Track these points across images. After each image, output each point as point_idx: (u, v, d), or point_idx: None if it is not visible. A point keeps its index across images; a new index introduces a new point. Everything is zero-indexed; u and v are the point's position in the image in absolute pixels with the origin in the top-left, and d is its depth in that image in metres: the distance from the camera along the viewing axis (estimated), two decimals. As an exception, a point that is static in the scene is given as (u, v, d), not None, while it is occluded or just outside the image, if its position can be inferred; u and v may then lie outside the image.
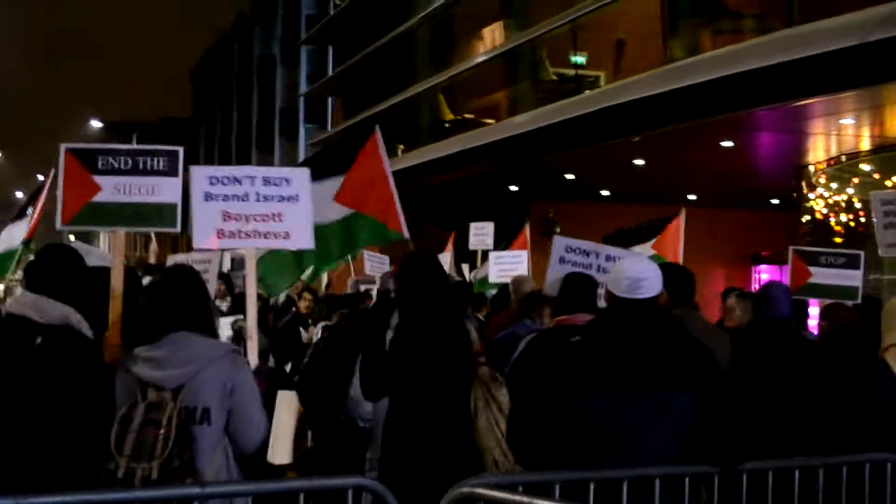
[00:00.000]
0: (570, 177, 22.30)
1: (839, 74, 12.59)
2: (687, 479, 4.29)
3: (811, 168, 19.19)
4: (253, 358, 5.06)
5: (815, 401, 5.88)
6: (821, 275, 8.16)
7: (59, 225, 5.72)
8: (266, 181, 5.53)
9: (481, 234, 14.84)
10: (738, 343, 6.51)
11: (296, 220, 5.54)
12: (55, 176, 5.88)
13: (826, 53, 12.09)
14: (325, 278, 13.91)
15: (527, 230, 14.23)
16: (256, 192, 5.48)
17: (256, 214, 5.46)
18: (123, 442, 4.10)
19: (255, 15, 55.52)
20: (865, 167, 18.11)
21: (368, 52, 30.49)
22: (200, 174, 5.55)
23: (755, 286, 25.30)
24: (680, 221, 11.72)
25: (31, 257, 5.70)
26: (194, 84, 72.48)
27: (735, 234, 24.54)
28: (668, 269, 5.31)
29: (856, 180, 18.15)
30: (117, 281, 5.41)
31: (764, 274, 25.99)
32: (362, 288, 12.02)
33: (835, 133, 16.47)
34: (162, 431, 4.11)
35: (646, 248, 11.46)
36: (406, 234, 7.92)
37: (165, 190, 5.59)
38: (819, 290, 8.10)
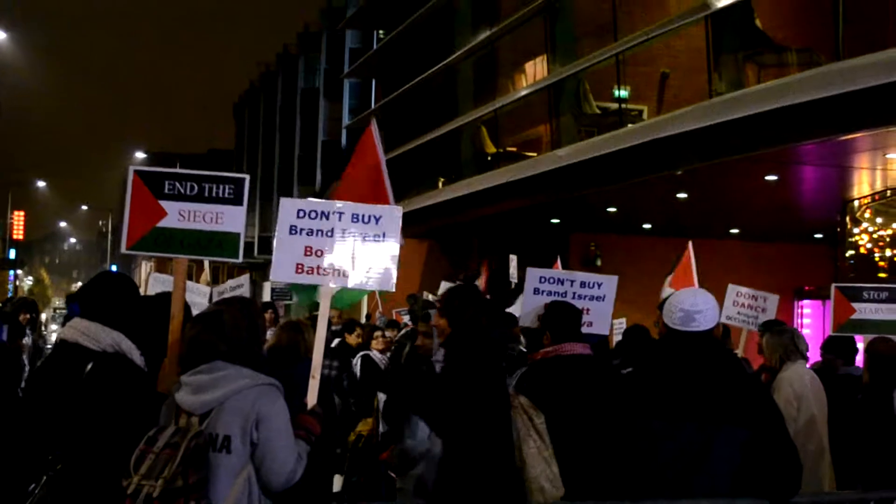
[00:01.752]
0: (612, 210, 22.26)
1: (885, 109, 12.52)
2: (737, 511, 4.28)
3: (856, 202, 19.05)
4: (312, 398, 4.98)
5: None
6: (864, 310, 8.10)
7: (123, 248, 5.64)
8: (354, 218, 5.35)
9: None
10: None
11: (380, 259, 5.32)
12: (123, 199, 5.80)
13: (872, 88, 12.03)
14: (363, 309, 14.05)
15: (559, 264, 14.21)
16: (343, 229, 5.31)
17: (340, 252, 5.30)
18: (142, 461, 4.21)
19: (299, 48, 56.07)
20: (911, 202, 17.97)
21: (411, 86, 30.66)
22: (290, 206, 5.36)
23: (798, 321, 25.08)
24: (689, 255, 11.76)
25: None
26: (237, 116, 73.18)
27: (778, 268, 24.34)
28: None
29: (902, 215, 18.01)
30: (177, 308, 5.39)
31: (807, 308, 25.75)
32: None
33: (880, 168, 16.34)
34: (171, 452, 4.19)
35: (666, 288, 11.49)
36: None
37: (229, 219, 5.56)
38: (863, 326, 8.05)
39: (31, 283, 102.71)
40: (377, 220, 5.34)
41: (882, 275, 18.49)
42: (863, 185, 18.15)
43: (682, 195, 19.96)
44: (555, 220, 24.28)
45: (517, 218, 23.28)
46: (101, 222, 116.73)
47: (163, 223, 5.55)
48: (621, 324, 14.05)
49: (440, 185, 28.22)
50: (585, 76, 20.94)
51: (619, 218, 23.12)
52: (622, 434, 4.25)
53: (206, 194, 5.58)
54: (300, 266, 5.26)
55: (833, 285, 8.32)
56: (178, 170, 5.71)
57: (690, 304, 4.34)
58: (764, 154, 15.30)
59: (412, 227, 27.35)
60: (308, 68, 54.30)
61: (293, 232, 5.28)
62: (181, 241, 5.57)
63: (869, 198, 18.71)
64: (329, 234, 5.28)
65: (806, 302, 25.84)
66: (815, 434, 6.92)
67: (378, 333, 12.02)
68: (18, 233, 53.02)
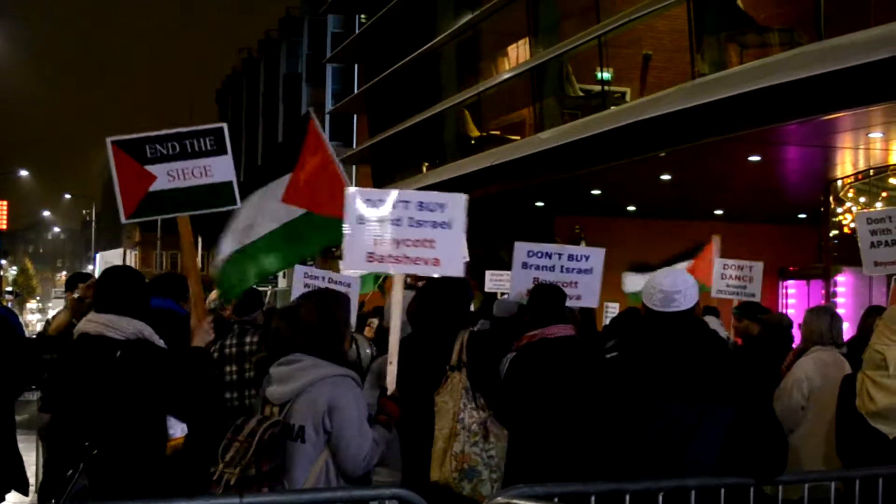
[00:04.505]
0: (596, 192, 22.29)
1: (867, 88, 12.55)
2: (723, 491, 4.30)
3: (839, 182, 19.11)
4: (391, 383, 5.10)
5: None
6: None
7: (122, 219, 5.75)
8: (420, 206, 5.38)
9: (499, 280, 14.66)
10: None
11: (447, 246, 5.37)
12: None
13: (854, 67, 12.04)
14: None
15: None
16: (410, 217, 5.34)
17: (408, 239, 5.33)
18: (228, 450, 4.44)
19: (281, 34, 55.89)
20: (894, 181, 18.01)
21: (394, 70, 30.59)
22: (356, 196, 5.41)
23: (782, 301, 25.16)
24: (713, 247, 11.76)
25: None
26: (220, 102, 72.96)
27: (762, 248, 24.30)
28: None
29: (884, 194, 18.06)
30: (190, 261, 5.74)
31: (791, 289, 25.82)
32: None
33: (863, 147, 16.38)
34: (239, 441, 4.42)
35: (681, 268, 11.51)
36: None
37: (218, 169, 5.69)
38: None
39: (15, 272, 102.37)
40: (442, 207, 5.39)
41: (865, 254, 18.55)
42: (846, 164, 18.21)
43: (665, 177, 19.99)
44: (539, 203, 24.30)
45: (502, 201, 23.28)
46: (84, 211, 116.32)
47: (154, 187, 5.63)
48: (615, 308, 14.07)
49: (424, 169, 28.19)
50: (568, 59, 20.93)
51: (604, 200, 23.15)
52: (608, 416, 4.26)
53: (189, 150, 5.68)
54: (371, 255, 5.33)
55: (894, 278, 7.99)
56: (155, 132, 5.73)
57: (669, 284, 4.35)
58: (747, 135, 15.33)
59: (397, 212, 27.32)
60: (290, 53, 54.14)
61: (361, 222, 5.34)
62: (176, 200, 5.65)
63: (852, 177, 18.76)
64: (397, 222, 5.33)
65: (790, 282, 25.89)
66: (822, 422, 6.83)
67: (371, 321, 12.04)
68: (1, 222, 52.70)
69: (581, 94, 20.91)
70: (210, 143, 5.71)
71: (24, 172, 64.82)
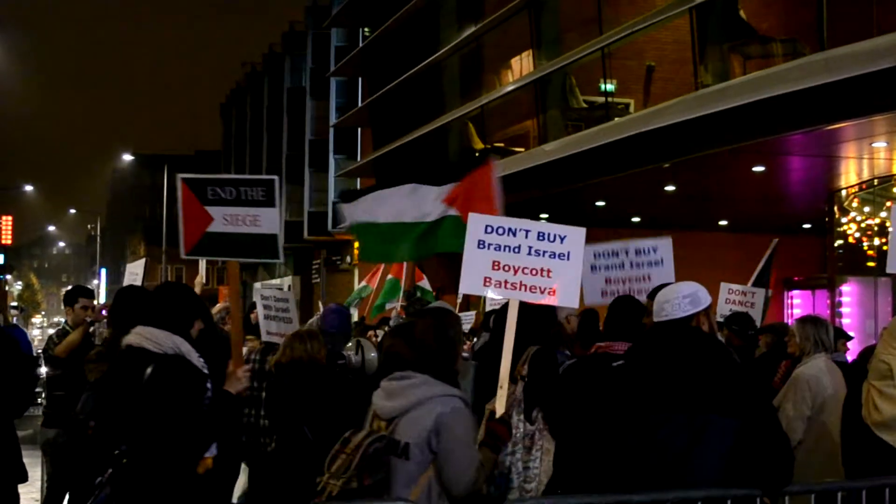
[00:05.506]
0: (600, 204, 22.28)
1: (871, 98, 12.56)
2: (729, 502, 4.28)
3: (843, 192, 19.10)
4: (501, 407, 5.10)
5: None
6: None
7: (182, 254, 6.03)
8: (540, 236, 5.48)
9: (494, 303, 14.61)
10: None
11: (564, 277, 5.45)
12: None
13: (857, 77, 12.06)
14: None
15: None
16: (529, 246, 5.43)
17: (526, 267, 5.41)
18: (335, 461, 4.50)
19: (285, 48, 55.98)
20: (898, 190, 18.02)
21: (397, 83, 30.63)
22: (477, 221, 5.53)
23: (787, 311, 25.13)
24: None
25: None
26: (224, 117, 73.08)
27: (767, 259, 24.39)
28: None
29: (888, 204, 18.03)
30: (235, 308, 5.86)
31: (796, 299, 25.80)
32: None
33: (867, 157, 16.39)
34: (346, 453, 4.48)
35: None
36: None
37: (265, 221, 5.83)
38: None
39: (20, 287, 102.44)
40: (562, 239, 5.50)
41: (871, 264, 18.55)
42: (850, 174, 18.20)
43: (669, 188, 19.99)
44: (544, 215, 24.29)
45: (507, 213, 23.24)
46: (89, 226, 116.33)
47: (211, 228, 5.89)
48: None
49: (429, 182, 28.17)
50: (571, 70, 20.95)
51: (608, 212, 23.14)
52: (615, 427, 4.25)
53: (243, 197, 5.84)
54: (488, 279, 5.41)
55: None
56: (217, 175, 6.08)
57: (662, 294, 4.37)
58: (751, 145, 15.35)
59: (401, 225, 27.30)
60: (294, 67, 54.17)
61: (481, 246, 5.44)
62: (228, 244, 5.87)
63: (856, 187, 18.76)
64: (516, 249, 5.42)
65: (795, 292, 25.88)
66: (828, 433, 6.82)
67: (371, 333, 12.10)
68: (6, 238, 52.83)
69: (585, 105, 20.92)
70: (261, 194, 5.86)
71: (28, 187, 65.02)
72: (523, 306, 5.69)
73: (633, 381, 4.32)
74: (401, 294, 11.35)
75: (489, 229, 5.46)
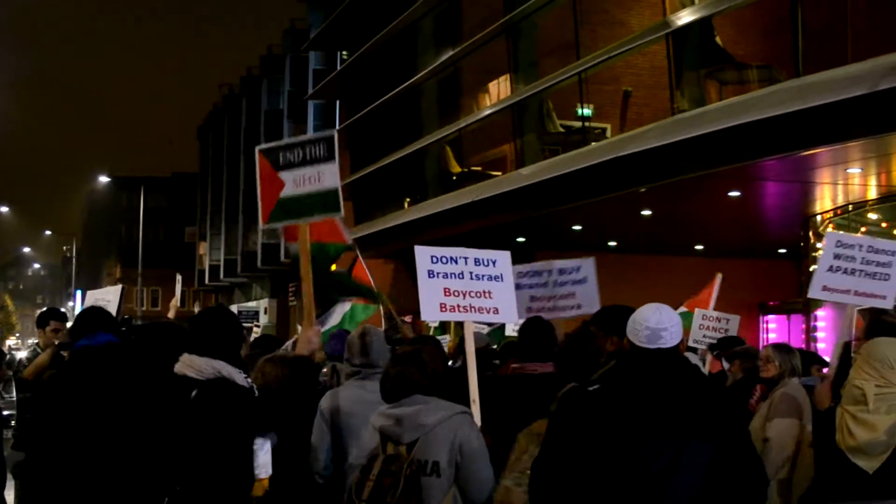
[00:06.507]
0: (577, 228, 22.33)
1: (846, 124, 12.65)
2: (705, 527, 4.26)
3: (818, 217, 19.20)
4: (476, 419, 5.47)
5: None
6: None
7: (261, 224, 6.42)
8: (476, 262, 5.99)
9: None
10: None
11: (502, 296, 5.99)
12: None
13: (833, 103, 12.15)
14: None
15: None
16: (470, 272, 5.93)
17: (471, 291, 5.91)
18: (363, 489, 4.80)
19: (263, 70, 55.96)
20: (873, 216, 18.13)
21: (375, 107, 30.65)
22: (424, 253, 5.89)
23: (763, 335, 25.23)
24: (714, 284, 11.85)
25: None
26: (201, 139, 72.86)
27: (742, 283, 24.45)
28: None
29: (863, 229, 18.15)
30: (305, 270, 6.06)
31: (772, 324, 25.90)
32: None
33: (841, 182, 16.50)
34: (390, 480, 4.76)
35: (681, 308, 11.57)
36: (349, 240, 8.21)
37: (327, 175, 6.02)
38: None
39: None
40: (494, 263, 6.06)
41: (846, 289, 18.59)
42: (825, 199, 18.31)
43: (646, 212, 20.06)
44: (520, 239, 24.33)
45: (483, 237, 23.20)
46: (65, 247, 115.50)
47: (284, 193, 6.14)
48: None
49: (406, 205, 28.19)
50: (549, 95, 21.03)
51: (585, 236, 23.18)
52: (590, 452, 4.23)
53: (308, 157, 6.05)
54: (443, 305, 5.84)
55: None
56: (286, 140, 6.28)
57: (656, 321, 4.33)
58: (727, 170, 15.41)
59: (377, 248, 27.28)
60: (271, 90, 54.14)
61: (431, 276, 5.86)
62: (298, 205, 6.08)
63: (831, 212, 18.87)
64: (461, 276, 5.92)
65: (771, 317, 26.00)
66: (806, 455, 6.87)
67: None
68: (-20, 259, 52.44)
69: (562, 129, 21.00)
70: (323, 150, 6.03)
71: (3, 209, 64.65)
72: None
73: (612, 405, 4.29)
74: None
75: (434, 259, 5.89)
